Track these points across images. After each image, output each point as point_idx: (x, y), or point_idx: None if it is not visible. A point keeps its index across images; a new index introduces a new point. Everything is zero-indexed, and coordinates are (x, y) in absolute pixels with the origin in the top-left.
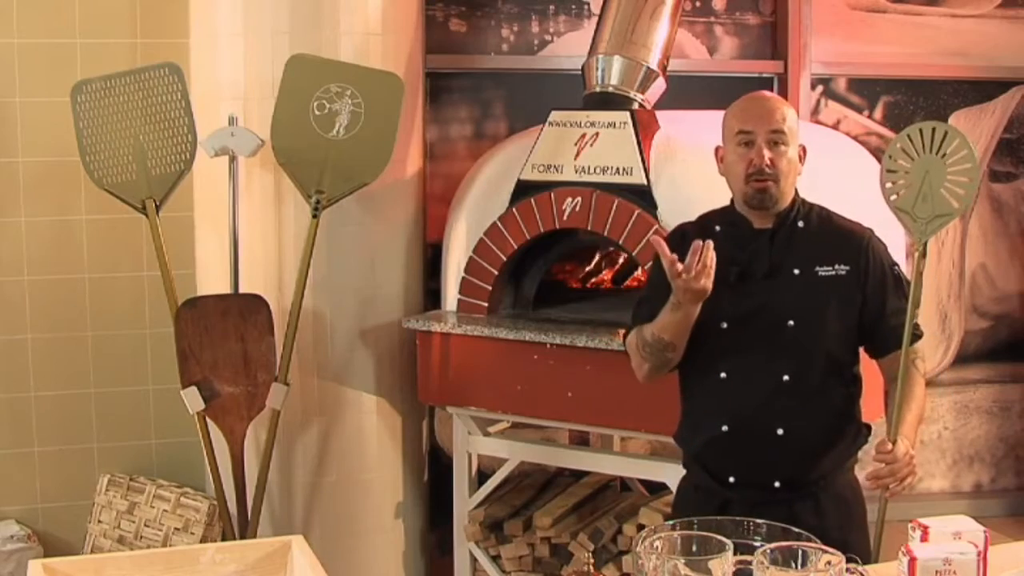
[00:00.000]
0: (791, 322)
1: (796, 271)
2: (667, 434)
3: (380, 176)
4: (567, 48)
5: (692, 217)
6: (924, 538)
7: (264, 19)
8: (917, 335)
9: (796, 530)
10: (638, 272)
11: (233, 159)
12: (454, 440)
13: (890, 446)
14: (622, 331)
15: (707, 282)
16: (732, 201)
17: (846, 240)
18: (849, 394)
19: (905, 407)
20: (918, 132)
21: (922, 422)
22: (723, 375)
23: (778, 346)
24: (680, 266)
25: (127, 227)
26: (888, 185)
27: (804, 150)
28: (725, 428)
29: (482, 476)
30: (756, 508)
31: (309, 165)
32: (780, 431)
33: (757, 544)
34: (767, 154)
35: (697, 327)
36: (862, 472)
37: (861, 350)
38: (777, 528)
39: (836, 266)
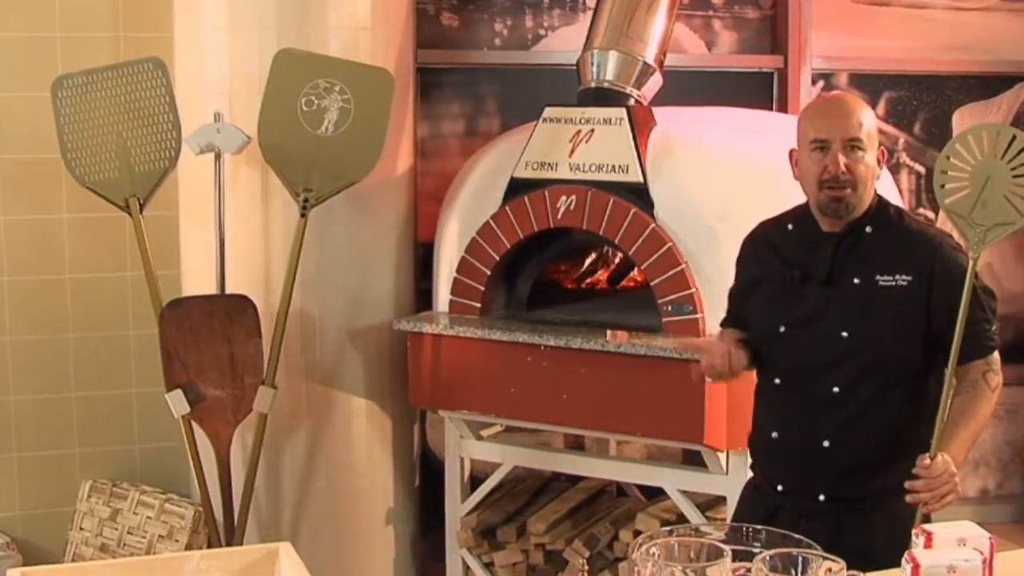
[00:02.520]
0: (845, 333)
1: (856, 280)
2: (664, 438)
3: (370, 174)
4: (562, 43)
5: (688, 215)
6: (928, 544)
7: (251, 13)
8: (990, 346)
9: (796, 536)
10: (634, 272)
11: (219, 156)
12: (446, 444)
13: (928, 460)
14: (619, 332)
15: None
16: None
17: (914, 247)
18: (913, 411)
19: (963, 423)
20: (980, 134)
21: (975, 442)
22: (777, 380)
23: (831, 357)
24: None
25: (110, 226)
26: (943, 187)
27: (884, 153)
28: (775, 435)
29: (475, 481)
30: (803, 518)
31: (297, 163)
32: (826, 443)
33: (756, 550)
34: (843, 160)
35: (759, 328)
36: None
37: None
38: (776, 535)
39: (898, 276)
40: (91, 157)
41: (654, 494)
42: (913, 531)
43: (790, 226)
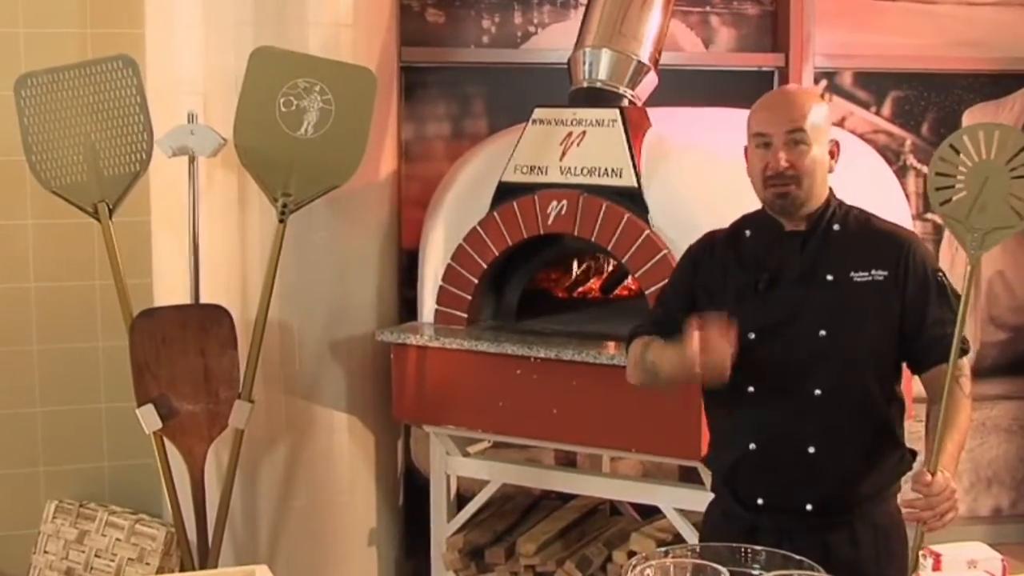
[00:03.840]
0: (823, 332)
1: (829, 277)
2: (660, 454)
3: (351, 178)
4: (552, 41)
5: (684, 222)
6: (936, 567)
7: (226, 8)
8: (963, 350)
9: (798, 558)
10: (628, 280)
11: (193, 159)
12: (431, 461)
13: (929, 477)
14: (612, 343)
15: (724, 370)
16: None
17: (885, 244)
18: (890, 413)
19: (947, 435)
20: (977, 134)
21: (963, 450)
22: (751, 389)
23: (810, 359)
24: (696, 354)
25: (77, 233)
26: (937, 190)
27: (837, 145)
28: (753, 446)
29: (461, 500)
30: (786, 535)
31: (275, 166)
32: (812, 449)
33: (755, 572)
34: (783, 156)
35: None
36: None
37: (904, 366)
38: (777, 555)
39: (873, 271)
40: (57, 160)
41: (649, 513)
42: (920, 552)
43: (748, 232)
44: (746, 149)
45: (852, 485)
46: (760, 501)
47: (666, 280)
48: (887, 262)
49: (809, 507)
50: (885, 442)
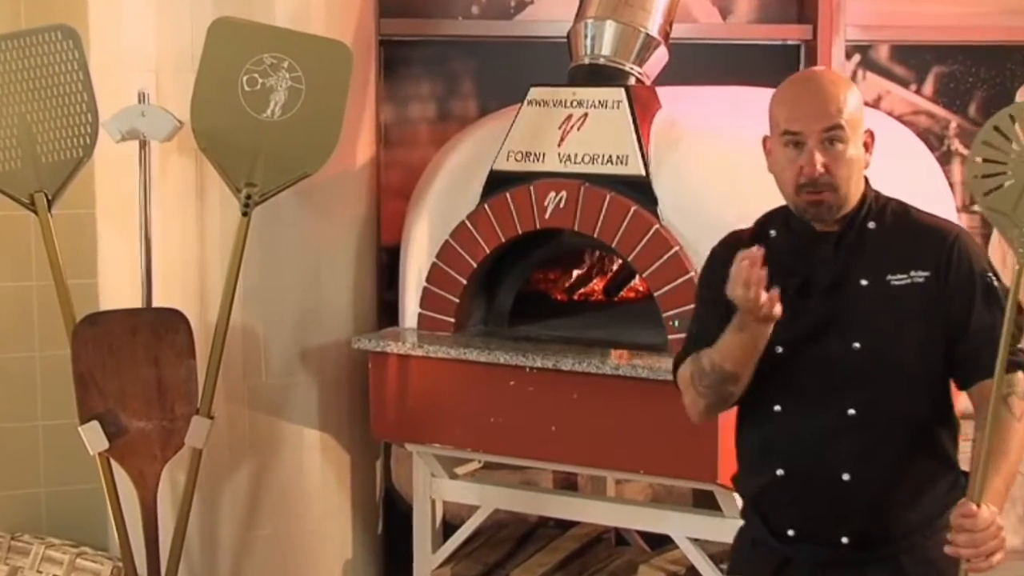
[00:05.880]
0: (857, 344)
1: (864, 282)
2: (672, 476)
3: (324, 166)
4: (549, 11)
5: (698, 215)
6: None
7: None
8: (1015, 362)
9: None
10: (635, 281)
11: (144, 144)
12: (414, 484)
13: (973, 508)
14: (617, 351)
15: (777, 307)
16: None
17: (926, 240)
18: (939, 433)
19: (993, 466)
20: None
21: (1013, 483)
22: (777, 408)
23: (843, 374)
24: (761, 295)
25: (11, 227)
26: (980, 178)
27: (872, 136)
28: (781, 472)
29: (448, 528)
30: (820, 570)
31: (237, 152)
32: (846, 476)
33: None
34: (820, 160)
35: None
36: None
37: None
38: None
39: (913, 272)
40: None
41: (659, 543)
42: None
43: (773, 232)
44: (766, 140)
45: (895, 515)
46: (791, 532)
47: (691, 302)
48: (928, 261)
49: (845, 540)
50: (934, 465)
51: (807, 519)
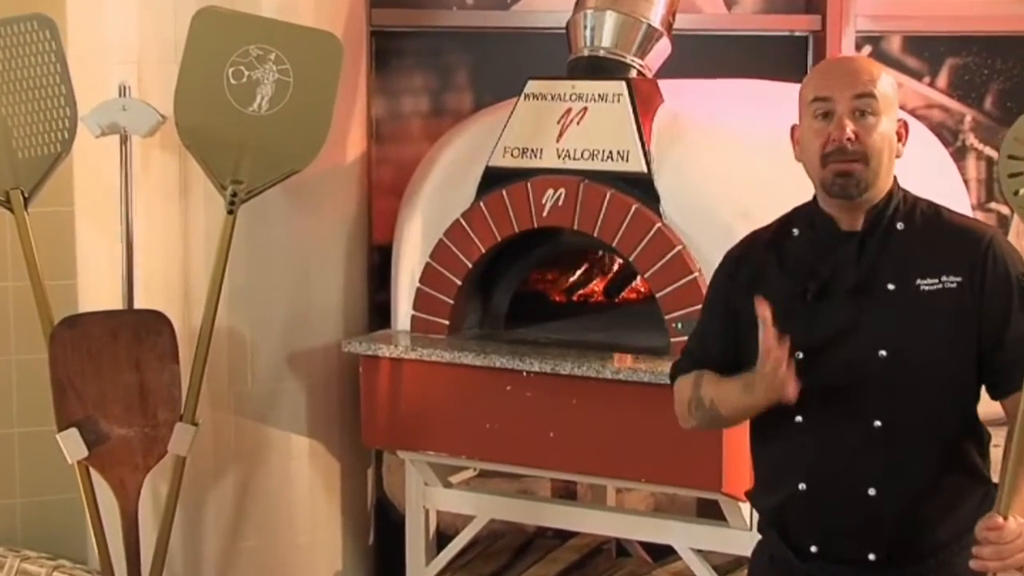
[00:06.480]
0: (883, 352)
1: (891, 286)
2: (675, 484)
3: (313, 162)
4: (547, 1)
5: (701, 213)
6: None
7: None
8: None
9: None
10: (636, 282)
11: (125, 139)
12: (407, 493)
13: (1000, 520)
14: (618, 355)
15: (792, 390)
16: (815, 196)
17: (959, 243)
18: (969, 445)
19: (1020, 472)
20: None
21: None
22: (799, 419)
23: (868, 383)
24: (778, 355)
25: None
26: (1010, 177)
27: (905, 127)
28: (803, 486)
29: (442, 538)
30: None
31: (223, 148)
32: (872, 491)
33: None
34: (849, 126)
35: None
36: None
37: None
38: None
39: (944, 277)
40: None
41: (662, 554)
42: None
43: (795, 231)
44: (794, 129)
45: (924, 531)
46: (813, 549)
47: (698, 301)
48: (961, 265)
49: (872, 557)
50: (964, 479)
51: (831, 535)
